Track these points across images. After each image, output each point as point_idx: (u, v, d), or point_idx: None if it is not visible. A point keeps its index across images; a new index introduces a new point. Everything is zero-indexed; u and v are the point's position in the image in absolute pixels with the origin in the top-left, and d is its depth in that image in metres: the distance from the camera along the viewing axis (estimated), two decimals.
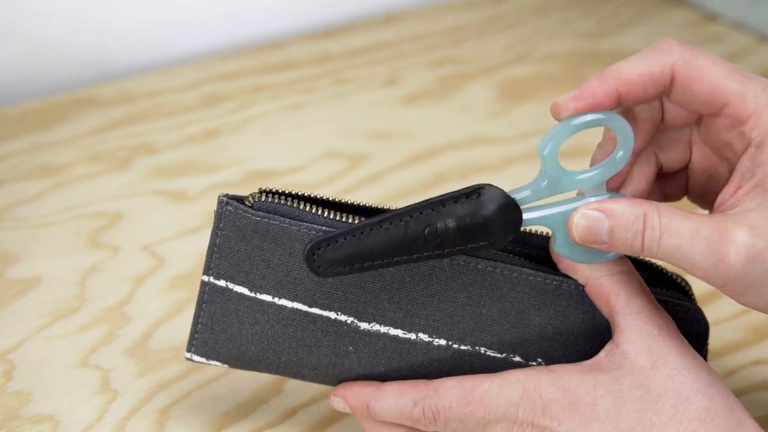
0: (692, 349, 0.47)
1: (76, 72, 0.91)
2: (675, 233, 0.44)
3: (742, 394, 0.58)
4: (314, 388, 0.58)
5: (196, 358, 0.51)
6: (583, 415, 0.46)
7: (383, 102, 0.88)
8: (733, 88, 0.46)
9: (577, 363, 0.48)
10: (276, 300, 0.49)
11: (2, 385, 0.58)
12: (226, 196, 0.49)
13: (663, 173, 0.51)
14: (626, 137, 0.46)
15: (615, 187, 0.49)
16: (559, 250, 0.48)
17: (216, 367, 0.59)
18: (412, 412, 0.48)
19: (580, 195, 0.47)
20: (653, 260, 0.52)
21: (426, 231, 0.46)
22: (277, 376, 0.59)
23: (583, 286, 0.49)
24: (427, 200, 0.47)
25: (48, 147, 0.81)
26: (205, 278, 0.50)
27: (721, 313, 0.64)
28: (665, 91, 0.46)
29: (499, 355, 0.49)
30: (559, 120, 0.46)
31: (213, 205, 0.73)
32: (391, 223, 0.46)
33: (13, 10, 0.88)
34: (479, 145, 0.82)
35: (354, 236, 0.46)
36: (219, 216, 0.49)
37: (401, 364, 0.50)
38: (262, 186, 0.51)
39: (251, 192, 0.50)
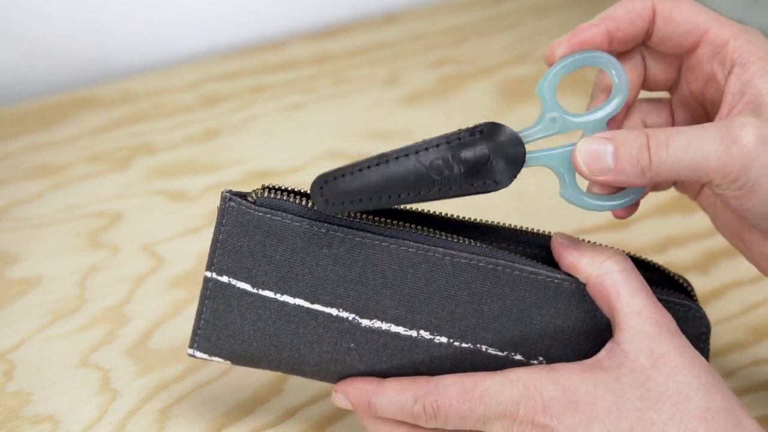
0: (693, 348, 0.47)
1: (76, 72, 0.91)
2: (682, 133, 0.45)
3: (742, 394, 0.58)
4: (314, 388, 0.58)
5: (198, 354, 0.51)
6: (583, 414, 0.46)
7: (383, 102, 0.88)
8: (709, 16, 0.48)
9: (578, 362, 0.48)
10: (278, 296, 0.49)
11: (2, 385, 0.58)
12: (230, 192, 0.49)
13: None
14: (619, 75, 0.48)
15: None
16: (565, 192, 0.48)
17: (218, 364, 0.59)
18: (412, 409, 0.48)
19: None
20: (654, 261, 0.53)
21: (432, 165, 0.47)
22: (278, 376, 0.59)
23: (584, 285, 0.49)
24: (433, 138, 0.48)
25: (48, 147, 0.80)
26: (208, 274, 0.50)
27: (721, 313, 0.64)
28: (649, 26, 0.49)
29: (500, 354, 0.50)
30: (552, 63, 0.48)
31: (213, 205, 0.73)
32: (397, 159, 0.48)
33: (13, 10, 0.88)
34: None
35: (361, 171, 0.48)
36: (222, 212, 0.49)
37: (402, 362, 0.50)
38: (264, 184, 0.51)
39: (254, 189, 0.50)
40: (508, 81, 0.91)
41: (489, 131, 0.48)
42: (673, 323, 0.47)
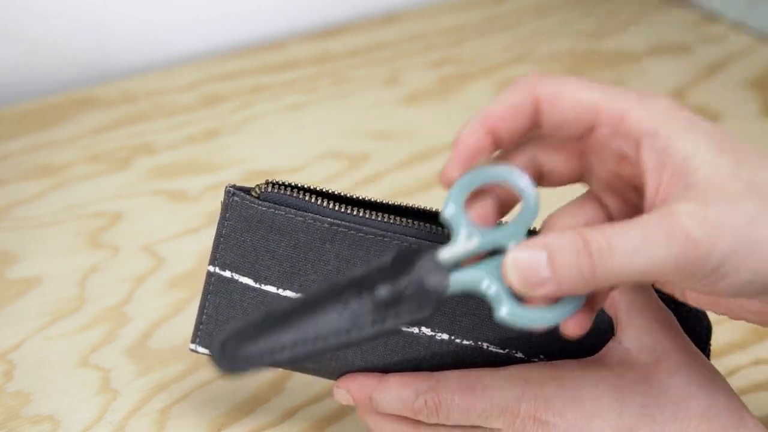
0: (694, 346, 0.47)
1: (76, 72, 0.91)
2: (625, 236, 0.39)
3: (743, 393, 0.58)
4: (314, 388, 0.58)
5: (200, 349, 0.51)
6: (585, 410, 0.46)
7: (383, 102, 0.88)
8: (599, 92, 0.42)
9: (580, 359, 0.48)
10: (280, 291, 0.49)
11: (2, 385, 0.58)
12: (233, 186, 0.50)
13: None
14: (520, 184, 0.43)
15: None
16: (502, 312, 0.42)
17: None
18: (414, 404, 0.48)
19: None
20: None
21: (344, 316, 0.42)
22: (278, 376, 0.59)
23: None
24: (342, 280, 0.42)
25: (48, 147, 0.80)
26: (211, 268, 0.50)
27: None
28: (533, 116, 0.43)
29: (501, 351, 0.50)
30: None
31: (213, 205, 0.73)
32: (305, 312, 0.42)
33: (13, 10, 0.88)
34: None
35: (263, 329, 0.42)
36: (226, 206, 0.49)
37: (403, 357, 0.50)
38: (268, 179, 0.51)
39: (257, 183, 0.50)
40: (508, 81, 0.91)
41: (405, 261, 0.43)
42: (675, 322, 0.48)
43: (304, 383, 0.58)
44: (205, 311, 0.50)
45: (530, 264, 0.40)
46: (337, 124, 0.85)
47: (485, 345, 0.50)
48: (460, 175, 0.43)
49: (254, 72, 0.92)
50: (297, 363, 0.45)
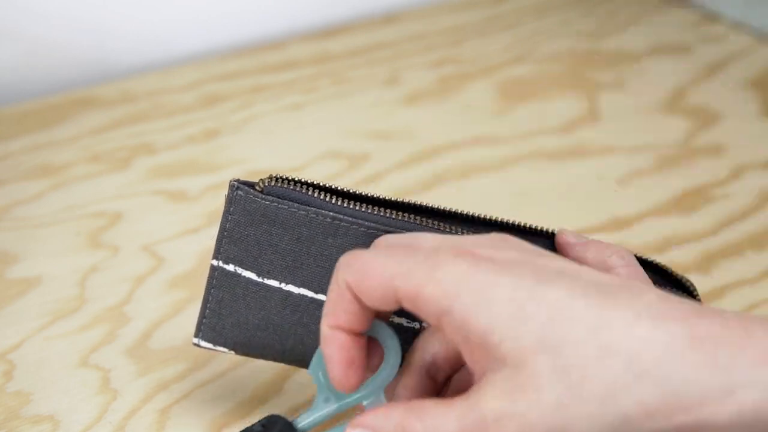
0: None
1: (76, 72, 0.91)
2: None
3: None
4: (314, 388, 0.58)
5: (203, 343, 0.51)
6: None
7: (383, 102, 0.88)
8: (392, 271, 0.42)
9: None
10: (283, 286, 0.50)
11: (2, 385, 0.58)
12: (237, 180, 0.50)
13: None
14: (385, 339, 0.46)
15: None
16: None
17: (218, 364, 0.59)
18: None
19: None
20: (659, 261, 0.52)
21: None
22: (278, 375, 0.59)
23: None
24: None
25: (48, 147, 0.80)
26: (215, 262, 0.50)
27: None
28: (360, 304, 0.44)
29: None
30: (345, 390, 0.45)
31: (213, 205, 0.74)
32: None
33: (13, 10, 0.88)
34: (479, 145, 0.82)
35: None
36: (229, 200, 0.50)
37: (405, 351, 0.50)
38: (272, 174, 0.51)
39: (261, 178, 0.50)
40: (508, 81, 0.91)
41: (265, 426, 0.47)
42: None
43: (304, 383, 0.58)
44: (208, 305, 0.51)
45: None
46: (337, 124, 0.85)
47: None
48: (354, 382, 0.45)
49: (254, 72, 0.92)
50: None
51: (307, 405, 0.57)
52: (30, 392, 0.58)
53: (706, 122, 0.86)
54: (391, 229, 0.49)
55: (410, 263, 0.42)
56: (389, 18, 1.01)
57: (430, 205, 0.51)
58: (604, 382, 0.38)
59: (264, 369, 0.59)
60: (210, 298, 0.51)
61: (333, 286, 0.44)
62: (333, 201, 0.49)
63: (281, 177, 0.50)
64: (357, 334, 0.44)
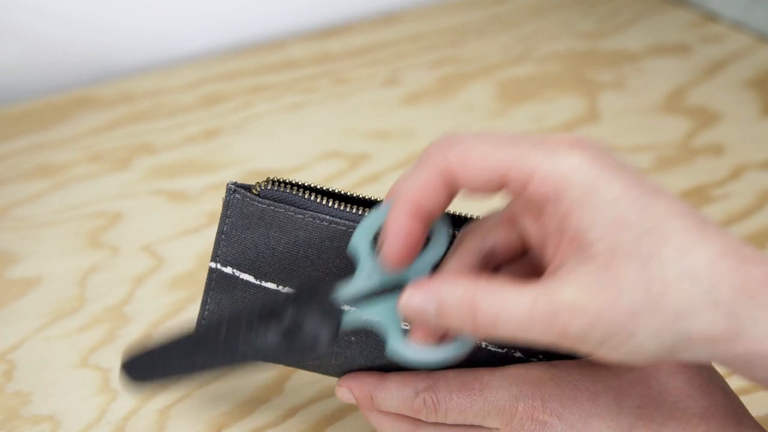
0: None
1: (76, 72, 0.91)
2: (512, 314, 0.41)
3: (742, 393, 0.58)
4: (314, 388, 0.58)
5: None
6: (582, 410, 0.46)
7: (383, 102, 0.88)
8: (505, 154, 0.42)
9: (578, 359, 0.48)
10: (280, 288, 0.50)
11: (2, 385, 0.58)
12: (234, 183, 0.50)
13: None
14: (438, 232, 0.46)
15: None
16: (391, 349, 0.45)
17: None
18: (413, 402, 0.48)
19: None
20: None
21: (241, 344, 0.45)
22: (278, 376, 0.59)
23: None
24: (241, 312, 0.46)
25: (48, 147, 0.81)
26: (213, 265, 0.50)
27: None
28: (449, 186, 0.43)
29: (500, 350, 0.50)
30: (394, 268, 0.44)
31: (213, 205, 0.74)
32: (212, 346, 0.45)
33: (13, 10, 0.88)
34: None
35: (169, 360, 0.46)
36: (227, 203, 0.50)
37: None
38: (269, 177, 0.51)
39: (258, 181, 0.50)
40: (508, 81, 0.91)
41: (303, 296, 0.46)
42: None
43: (304, 383, 0.58)
44: (207, 307, 0.51)
45: (420, 311, 0.43)
46: (337, 124, 0.85)
47: (484, 344, 0.50)
48: (408, 263, 0.44)
49: (254, 72, 0.92)
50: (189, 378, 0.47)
51: (308, 405, 0.57)
52: (30, 392, 0.58)
53: (706, 122, 0.86)
54: None
55: (523, 148, 0.42)
56: (389, 18, 1.01)
57: None
58: (682, 302, 0.40)
59: (264, 369, 0.59)
60: (208, 300, 0.51)
61: (420, 172, 0.43)
62: (330, 204, 0.49)
63: (278, 180, 0.50)
64: (425, 218, 0.44)
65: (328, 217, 0.49)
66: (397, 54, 0.95)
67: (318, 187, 0.50)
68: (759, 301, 0.39)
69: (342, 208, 0.49)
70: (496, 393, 0.47)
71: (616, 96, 0.90)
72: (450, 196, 0.44)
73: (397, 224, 0.44)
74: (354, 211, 0.49)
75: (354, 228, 0.49)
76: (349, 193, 0.50)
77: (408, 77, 0.91)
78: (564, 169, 0.41)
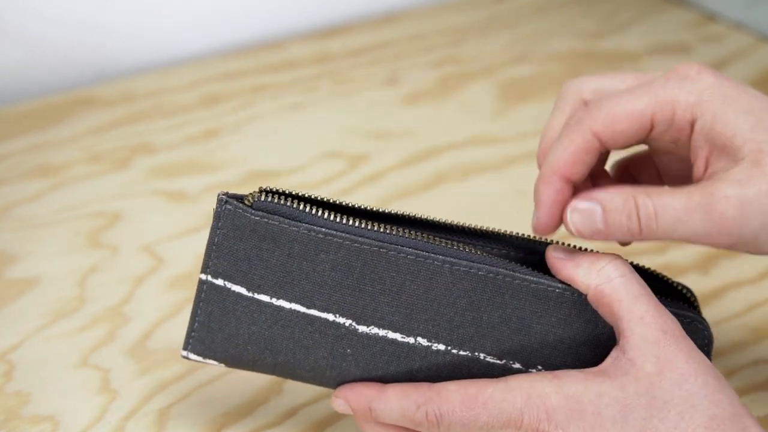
0: (699, 351, 0.46)
1: (76, 72, 0.91)
2: (669, 207, 0.46)
3: (743, 394, 0.58)
4: (314, 388, 0.58)
5: (192, 356, 0.51)
6: (588, 422, 0.45)
7: (383, 102, 0.88)
8: (645, 100, 0.48)
9: (582, 370, 0.47)
10: (274, 301, 0.49)
11: (2, 385, 0.58)
12: (226, 194, 0.49)
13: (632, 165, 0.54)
14: None
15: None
16: None
17: (213, 366, 0.59)
18: (414, 415, 0.48)
19: None
20: (656, 270, 0.52)
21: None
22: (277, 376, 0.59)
23: (585, 295, 0.49)
24: None
25: (48, 147, 0.80)
26: (203, 276, 0.50)
27: (721, 313, 0.64)
28: (599, 149, 0.48)
29: (498, 362, 0.49)
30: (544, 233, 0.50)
31: (213, 205, 0.73)
32: None
33: (13, 10, 0.88)
34: (479, 145, 0.82)
35: None
36: (218, 215, 0.49)
37: (399, 368, 0.49)
38: (262, 186, 0.50)
39: (251, 191, 0.50)
40: (508, 81, 0.91)
41: None
42: (678, 327, 0.47)
43: (303, 384, 0.58)
44: (197, 319, 0.50)
45: (588, 214, 0.47)
46: (337, 124, 0.85)
47: (482, 356, 0.49)
48: (552, 228, 0.49)
49: (254, 72, 0.92)
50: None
51: (308, 405, 0.57)
52: (30, 392, 0.58)
53: None
54: (385, 245, 0.49)
55: (657, 87, 0.48)
56: (389, 18, 1.01)
57: (424, 217, 0.51)
58: None
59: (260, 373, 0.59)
60: (199, 312, 0.50)
61: (573, 139, 0.48)
62: (325, 216, 0.49)
63: (272, 190, 0.49)
64: (572, 185, 0.49)
65: (323, 229, 0.48)
66: (397, 54, 0.95)
67: (312, 196, 0.50)
68: None
69: (338, 220, 0.49)
70: (500, 406, 0.47)
71: None
72: (597, 162, 0.49)
73: (548, 192, 0.48)
74: (351, 223, 0.49)
75: (350, 240, 0.48)
76: (345, 203, 0.50)
77: (408, 77, 0.91)
78: (701, 90, 0.47)
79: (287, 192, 0.49)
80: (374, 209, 0.50)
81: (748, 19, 1.00)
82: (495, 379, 0.47)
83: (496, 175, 0.78)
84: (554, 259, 0.49)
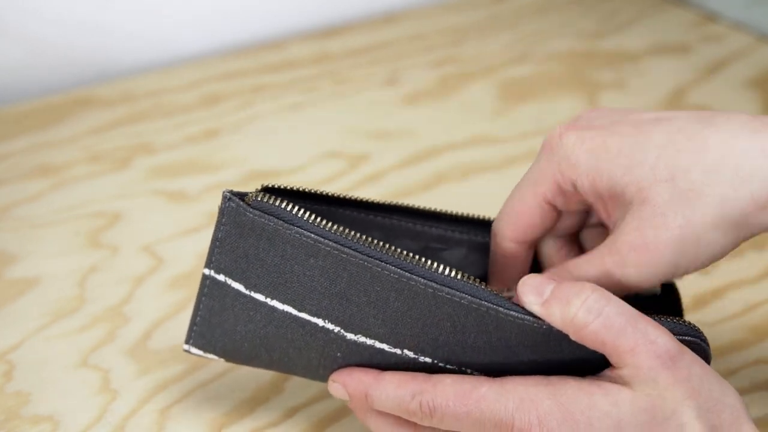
0: (697, 368, 0.46)
1: (76, 72, 0.91)
2: (589, 275, 0.48)
3: (743, 394, 0.58)
4: (314, 388, 0.58)
5: (193, 350, 0.51)
6: (580, 431, 0.45)
7: (383, 102, 0.88)
8: (528, 199, 0.51)
9: (578, 378, 0.47)
10: (268, 300, 0.49)
11: (2, 385, 0.58)
12: (230, 191, 0.49)
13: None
14: None
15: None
16: None
17: (217, 364, 0.59)
18: (409, 405, 0.48)
19: None
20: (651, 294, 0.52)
21: None
22: (278, 376, 0.59)
23: None
24: None
25: (48, 147, 0.80)
26: (207, 271, 0.50)
27: (721, 313, 0.64)
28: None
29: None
30: None
31: (213, 205, 0.73)
32: None
33: (13, 10, 0.88)
34: (479, 145, 0.82)
35: None
36: (222, 211, 0.49)
37: (390, 370, 0.50)
38: (264, 183, 0.51)
39: (255, 189, 0.50)
40: (508, 81, 0.91)
41: None
42: (671, 343, 0.46)
43: (304, 383, 0.58)
44: (199, 313, 0.51)
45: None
46: (337, 124, 0.85)
47: (469, 371, 0.49)
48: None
49: (254, 72, 0.92)
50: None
51: (308, 405, 0.57)
52: (30, 392, 0.58)
53: None
54: (369, 260, 0.48)
55: (534, 173, 0.51)
56: (389, 18, 1.01)
57: (426, 208, 0.51)
58: (718, 192, 0.45)
59: (260, 368, 0.59)
60: (201, 306, 0.51)
61: (498, 252, 0.53)
62: (317, 223, 0.49)
63: (273, 188, 0.50)
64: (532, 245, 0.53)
65: (313, 235, 0.48)
66: (397, 54, 0.95)
67: (311, 191, 0.50)
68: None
69: (329, 227, 0.48)
70: (492, 407, 0.46)
71: (616, 96, 0.90)
72: (542, 228, 0.52)
73: (504, 250, 0.52)
74: (340, 231, 0.48)
75: (337, 251, 0.48)
76: (345, 196, 0.50)
77: (408, 77, 0.91)
78: (567, 158, 0.48)
79: (289, 188, 0.50)
80: (376, 201, 0.51)
81: (748, 19, 1.00)
82: (492, 379, 0.47)
83: (496, 175, 0.78)
84: (525, 303, 0.48)
